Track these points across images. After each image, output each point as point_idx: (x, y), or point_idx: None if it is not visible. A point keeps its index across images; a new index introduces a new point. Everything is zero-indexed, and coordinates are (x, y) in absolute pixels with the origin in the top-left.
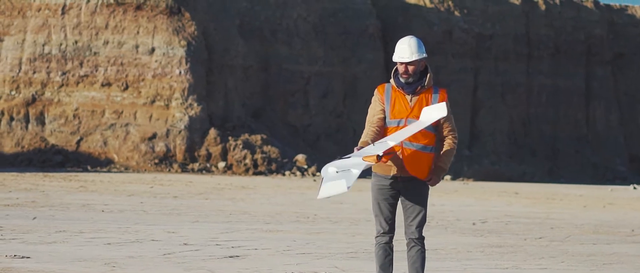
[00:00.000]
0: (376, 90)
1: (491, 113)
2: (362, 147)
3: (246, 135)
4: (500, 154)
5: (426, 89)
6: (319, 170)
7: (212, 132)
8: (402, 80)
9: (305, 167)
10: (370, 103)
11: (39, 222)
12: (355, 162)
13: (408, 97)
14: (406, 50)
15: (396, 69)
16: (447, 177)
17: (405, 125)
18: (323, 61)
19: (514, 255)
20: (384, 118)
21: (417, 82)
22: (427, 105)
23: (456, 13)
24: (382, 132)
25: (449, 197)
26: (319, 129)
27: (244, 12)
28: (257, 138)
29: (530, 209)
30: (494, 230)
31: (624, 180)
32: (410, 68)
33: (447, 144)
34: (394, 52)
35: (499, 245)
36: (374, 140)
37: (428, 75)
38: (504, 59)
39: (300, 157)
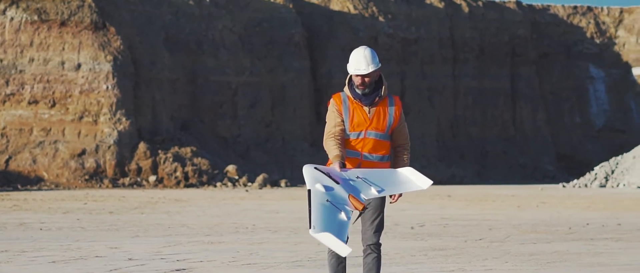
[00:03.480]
0: (332, 100)
1: (419, 117)
2: (342, 164)
3: (176, 148)
4: (430, 157)
5: (382, 99)
6: (250, 180)
7: (142, 146)
8: (358, 91)
9: (236, 177)
10: (298, 111)
11: None
12: (344, 199)
13: (366, 109)
14: (362, 62)
15: (350, 80)
16: None
17: (364, 137)
18: (250, 71)
19: (457, 258)
20: (344, 129)
21: (373, 93)
22: (384, 116)
23: (381, 18)
24: (343, 142)
25: None
26: (249, 139)
27: (169, 25)
28: (186, 151)
29: (465, 211)
30: (434, 233)
31: (553, 179)
32: (367, 79)
33: (404, 160)
34: (325, 60)
35: (441, 248)
36: (343, 154)
37: (384, 86)
38: (429, 63)
39: (231, 168)
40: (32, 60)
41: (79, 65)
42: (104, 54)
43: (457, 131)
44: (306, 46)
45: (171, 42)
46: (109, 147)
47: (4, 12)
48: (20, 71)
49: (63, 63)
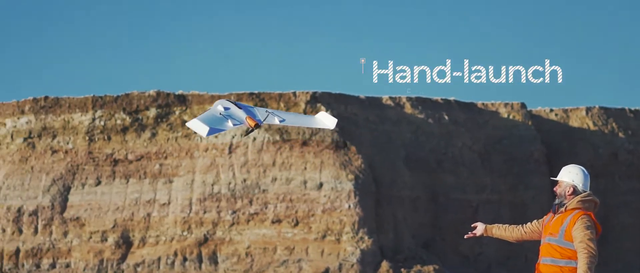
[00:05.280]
0: None
1: None
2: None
3: (418, 267)
4: None
5: (567, 210)
6: None
7: (385, 265)
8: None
9: None
10: None
11: None
12: (240, 117)
13: (554, 218)
14: (560, 171)
15: None
16: None
17: (543, 243)
18: (490, 189)
19: None
20: (535, 229)
21: (562, 205)
22: (561, 223)
23: (620, 135)
24: (527, 233)
25: None
26: (491, 257)
27: (408, 144)
28: (429, 269)
29: None
30: None
31: None
32: (556, 189)
33: (579, 256)
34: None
35: None
36: (523, 231)
37: (573, 199)
38: None
39: None
40: (274, 179)
41: (321, 184)
42: (345, 172)
43: None
44: (546, 163)
45: (411, 160)
46: (353, 266)
47: (247, 133)
48: (264, 191)
49: (305, 182)
